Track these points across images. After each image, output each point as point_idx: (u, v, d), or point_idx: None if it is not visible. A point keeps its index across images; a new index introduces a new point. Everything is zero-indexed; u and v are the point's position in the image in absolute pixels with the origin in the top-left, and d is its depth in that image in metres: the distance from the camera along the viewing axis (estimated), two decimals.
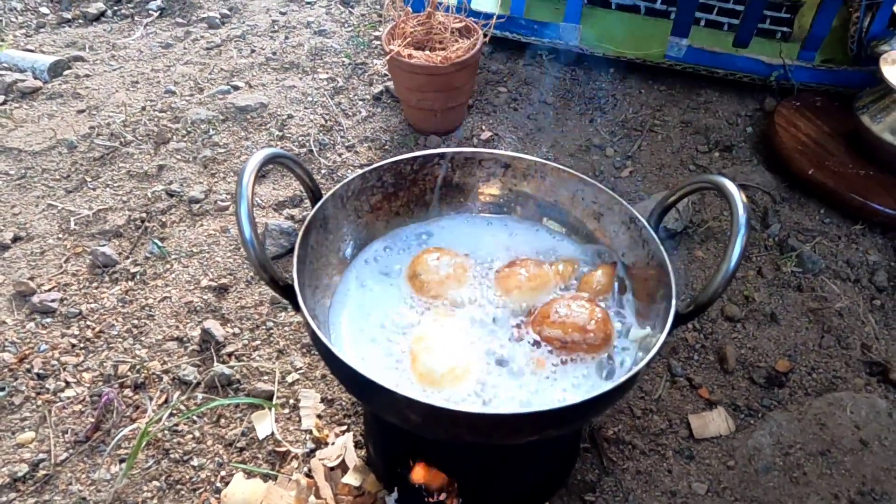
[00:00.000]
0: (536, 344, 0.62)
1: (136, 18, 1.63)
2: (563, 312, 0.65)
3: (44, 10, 1.66)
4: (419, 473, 0.71)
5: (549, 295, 0.68)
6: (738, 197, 0.55)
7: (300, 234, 0.61)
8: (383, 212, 0.73)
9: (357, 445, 0.80)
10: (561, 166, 0.72)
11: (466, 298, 0.66)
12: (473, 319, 0.64)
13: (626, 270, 0.69)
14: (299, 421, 0.83)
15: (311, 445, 0.80)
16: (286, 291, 0.56)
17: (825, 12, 1.27)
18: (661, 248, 0.63)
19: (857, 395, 0.84)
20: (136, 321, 0.93)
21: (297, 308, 0.56)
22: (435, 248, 0.70)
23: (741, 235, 0.54)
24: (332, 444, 0.80)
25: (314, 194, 0.65)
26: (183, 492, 0.76)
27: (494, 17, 1.27)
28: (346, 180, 0.68)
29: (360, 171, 0.69)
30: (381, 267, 0.70)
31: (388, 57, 1.16)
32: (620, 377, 0.55)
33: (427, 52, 1.17)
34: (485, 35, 1.20)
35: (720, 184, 0.57)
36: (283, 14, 1.63)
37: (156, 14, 1.64)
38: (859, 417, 0.81)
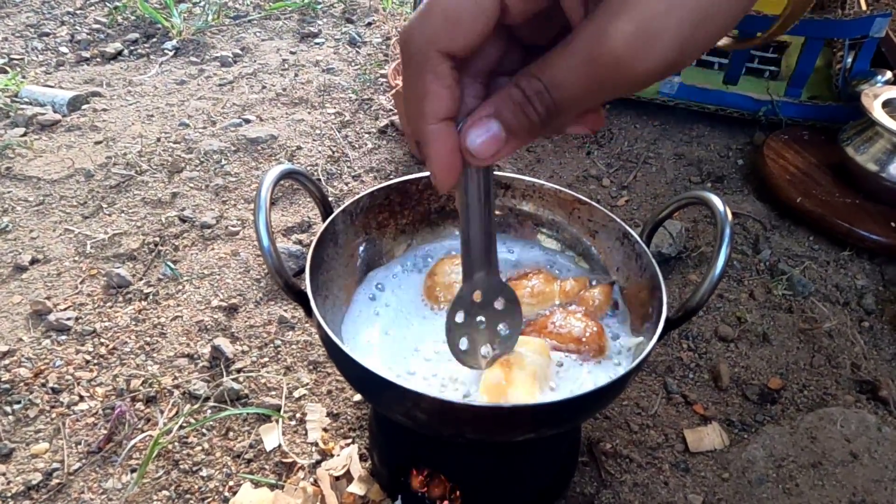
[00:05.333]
0: None
1: (151, 57, 1.70)
2: (559, 324, 0.68)
3: (63, 49, 1.73)
4: (422, 481, 0.73)
5: (549, 308, 0.72)
6: (722, 208, 0.59)
7: (313, 245, 0.65)
8: (390, 228, 0.77)
9: (362, 458, 0.82)
10: (558, 186, 0.77)
11: None
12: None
13: (621, 289, 0.73)
14: (306, 434, 0.85)
15: (317, 457, 0.82)
16: (299, 296, 0.60)
17: (808, 52, 1.34)
18: (653, 260, 0.67)
19: (847, 410, 0.86)
20: (148, 339, 0.96)
21: (308, 313, 0.60)
22: (455, 257, 0.74)
23: (725, 244, 0.58)
24: (338, 455, 0.82)
25: (325, 209, 0.70)
26: (192, 501, 0.78)
27: None
28: (355, 197, 0.72)
29: (369, 190, 0.74)
30: (388, 281, 0.74)
31: (393, 91, 1.22)
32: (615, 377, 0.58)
33: None
34: None
35: (704, 197, 0.62)
36: (293, 53, 1.71)
37: (171, 53, 1.71)
38: (849, 431, 0.83)
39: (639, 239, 0.70)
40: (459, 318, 0.51)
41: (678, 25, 0.31)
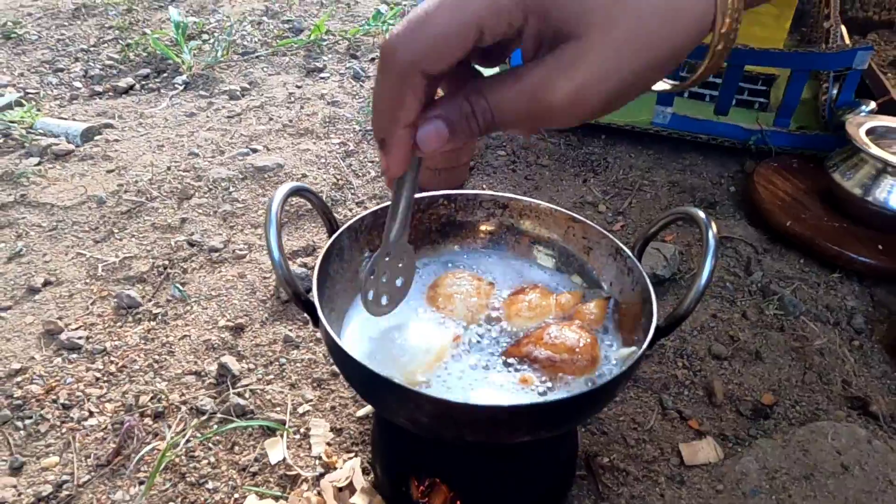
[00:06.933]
0: (525, 364, 0.68)
1: (162, 91, 1.76)
2: (554, 335, 0.71)
3: (77, 84, 1.80)
4: (423, 491, 0.75)
5: (545, 321, 0.75)
6: (707, 221, 0.63)
7: (320, 257, 0.68)
8: None
9: (364, 472, 0.84)
10: (553, 206, 0.80)
11: (470, 319, 0.73)
12: (473, 339, 0.71)
13: (615, 302, 0.76)
14: (309, 448, 0.87)
15: (320, 470, 0.84)
16: (307, 306, 0.63)
17: (795, 84, 1.39)
18: (644, 274, 0.70)
19: (839, 424, 0.88)
20: (156, 357, 0.99)
21: (315, 321, 0.63)
22: (459, 271, 0.77)
23: (710, 254, 0.62)
24: (341, 468, 0.84)
25: (331, 225, 0.73)
26: None
27: None
28: (359, 215, 0.76)
29: (373, 209, 0.77)
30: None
31: None
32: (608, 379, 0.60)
33: None
34: None
35: (691, 213, 0.66)
36: (299, 87, 1.77)
37: (181, 87, 1.78)
38: (840, 444, 0.85)
39: (630, 254, 0.73)
40: (372, 273, 0.60)
41: (605, 92, 0.39)
